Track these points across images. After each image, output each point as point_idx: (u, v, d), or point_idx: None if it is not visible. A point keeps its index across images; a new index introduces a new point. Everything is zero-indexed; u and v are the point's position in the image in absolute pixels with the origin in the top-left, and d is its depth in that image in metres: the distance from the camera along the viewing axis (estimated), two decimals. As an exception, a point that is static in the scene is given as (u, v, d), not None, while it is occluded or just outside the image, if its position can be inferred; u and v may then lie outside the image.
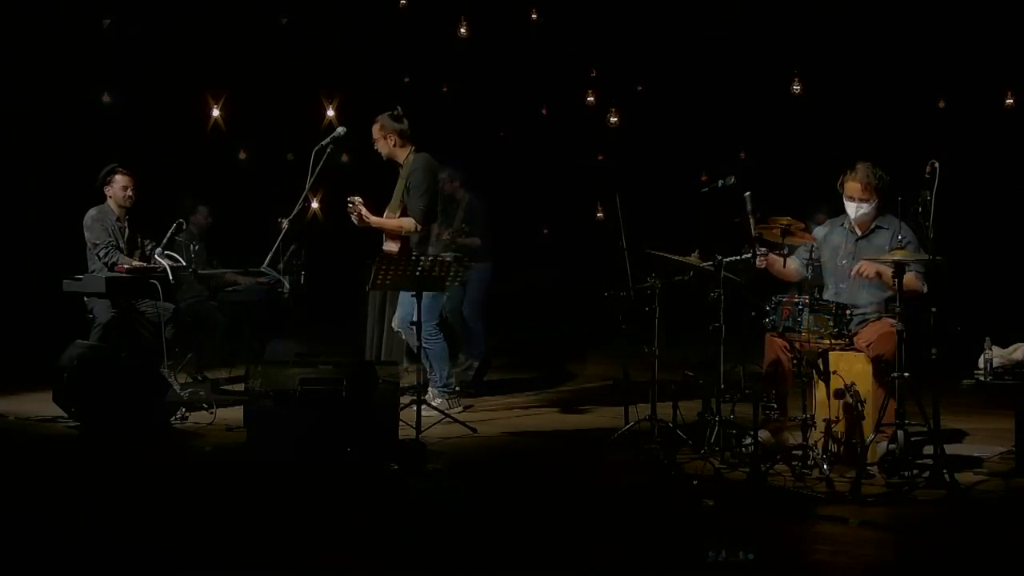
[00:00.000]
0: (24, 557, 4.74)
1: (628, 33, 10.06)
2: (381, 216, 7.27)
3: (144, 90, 10.26)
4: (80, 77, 9.94)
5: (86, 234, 7.89)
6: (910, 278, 5.81)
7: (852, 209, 6.22)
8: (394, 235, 7.21)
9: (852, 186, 6.19)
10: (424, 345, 7.18)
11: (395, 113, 7.34)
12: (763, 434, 5.80)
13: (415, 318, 7.00)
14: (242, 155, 7.33)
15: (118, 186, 7.98)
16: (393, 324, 7.43)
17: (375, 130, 7.33)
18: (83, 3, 9.94)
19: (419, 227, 7.16)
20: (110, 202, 8.01)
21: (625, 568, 4.32)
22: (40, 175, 9.86)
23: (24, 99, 9.68)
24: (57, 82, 9.79)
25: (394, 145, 7.29)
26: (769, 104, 9.41)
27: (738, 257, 6.01)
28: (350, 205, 7.06)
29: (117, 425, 6.73)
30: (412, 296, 7.01)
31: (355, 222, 7.12)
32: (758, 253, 5.91)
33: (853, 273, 6.04)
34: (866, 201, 6.17)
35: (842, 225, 6.36)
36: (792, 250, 6.20)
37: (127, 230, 8.03)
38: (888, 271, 5.77)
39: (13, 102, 9.64)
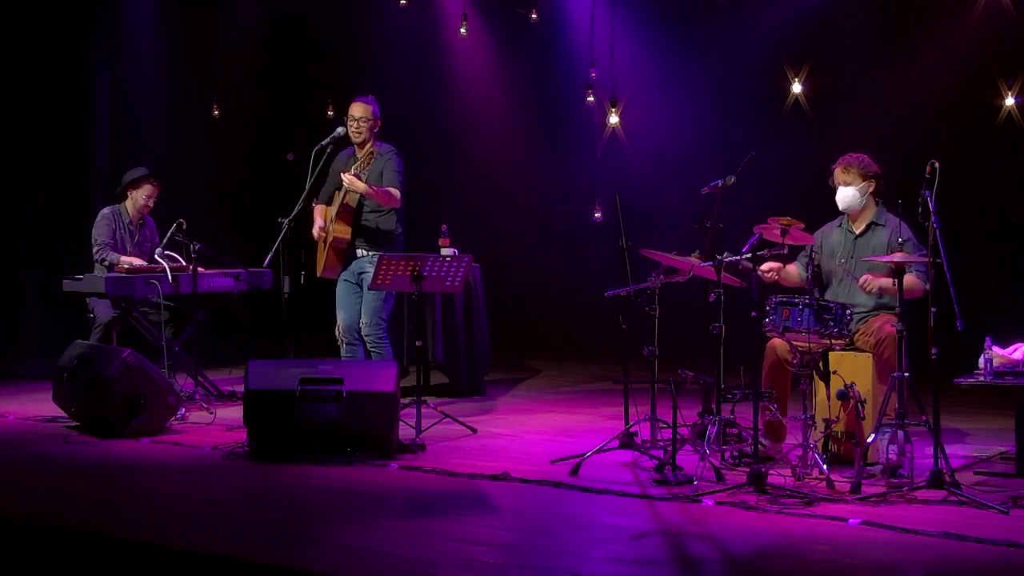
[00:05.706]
0: (24, 557, 4.75)
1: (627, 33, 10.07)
2: (313, 215, 7.23)
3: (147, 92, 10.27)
4: (81, 78, 9.95)
5: (93, 231, 7.91)
6: (910, 279, 5.82)
7: (839, 195, 6.24)
8: (347, 218, 7.11)
9: (836, 171, 6.24)
10: (372, 350, 7.15)
11: None
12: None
13: (363, 319, 7.01)
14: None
15: (142, 193, 7.98)
16: (337, 331, 7.31)
17: (369, 110, 7.19)
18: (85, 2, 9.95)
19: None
20: (128, 203, 8.01)
21: (625, 568, 4.32)
22: (39, 175, 9.85)
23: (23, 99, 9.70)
24: (55, 81, 9.80)
25: (372, 132, 7.23)
26: (768, 104, 9.41)
27: (738, 257, 6.00)
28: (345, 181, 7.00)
29: (117, 425, 6.73)
30: (358, 299, 7.02)
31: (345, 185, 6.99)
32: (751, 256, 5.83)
33: (859, 287, 6.04)
34: (849, 184, 6.19)
35: (839, 225, 6.38)
36: (792, 255, 6.21)
37: (137, 234, 8.04)
38: (889, 283, 5.80)
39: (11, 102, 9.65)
